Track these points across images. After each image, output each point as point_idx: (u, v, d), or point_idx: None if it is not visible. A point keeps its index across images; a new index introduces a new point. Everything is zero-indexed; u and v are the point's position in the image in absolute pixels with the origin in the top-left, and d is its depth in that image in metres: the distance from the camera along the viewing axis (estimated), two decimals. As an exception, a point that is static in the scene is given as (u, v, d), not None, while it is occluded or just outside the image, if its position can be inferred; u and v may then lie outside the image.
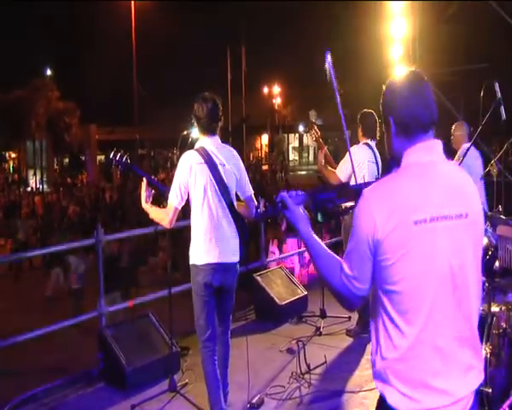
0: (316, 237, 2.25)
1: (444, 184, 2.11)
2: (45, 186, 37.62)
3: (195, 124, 4.40)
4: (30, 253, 11.56)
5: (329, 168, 6.20)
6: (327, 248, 2.25)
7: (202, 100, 4.34)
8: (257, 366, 4.59)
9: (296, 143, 62.72)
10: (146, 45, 40.61)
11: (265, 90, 53.28)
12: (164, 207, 4.40)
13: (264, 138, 55.86)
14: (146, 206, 4.45)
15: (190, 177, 4.23)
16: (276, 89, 53.16)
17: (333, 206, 2.38)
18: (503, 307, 4.36)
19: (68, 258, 11.73)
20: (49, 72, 45.05)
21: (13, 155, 47.07)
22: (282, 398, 5.03)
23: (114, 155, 4.81)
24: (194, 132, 5.09)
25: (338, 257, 2.22)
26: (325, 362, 5.43)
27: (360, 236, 2.08)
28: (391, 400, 2.08)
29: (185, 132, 4.92)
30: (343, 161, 6.07)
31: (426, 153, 2.15)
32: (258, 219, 2.41)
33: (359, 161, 5.97)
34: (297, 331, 6.60)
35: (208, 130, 4.35)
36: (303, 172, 48.36)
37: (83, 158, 44.90)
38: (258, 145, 56.87)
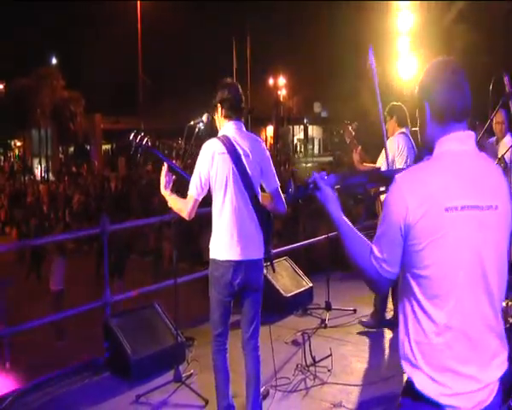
0: (346, 219, 2.28)
1: (476, 175, 2.13)
2: (50, 175, 37.74)
3: (219, 109, 4.17)
4: (37, 241, 11.58)
5: (366, 165, 6.24)
6: (357, 230, 2.26)
7: (225, 84, 4.20)
8: (262, 358, 4.58)
9: (301, 135, 62.60)
10: (151, 35, 40.59)
11: (271, 81, 53.15)
12: (179, 195, 4.24)
13: (270, 130, 55.76)
14: (165, 192, 4.24)
15: (212, 167, 4.03)
16: (282, 80, 53.03)
17: (363, 190, 2.39)
18: (510, 303, 4.34)
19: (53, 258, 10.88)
20: (54, 60, 45.07)
21: (18, 144, 47.18)
22: (287, 390, 5.02)
23: (135, 137, 4.59)
24: (201, 123, 5.01)
25: (367, 240, 2.24)
26: (330, 355, 5.42)
27: (392, 220, 2.11)
28: (419, 384, 2.09)
29: (192, 123, 4.76)
30: (382, 154, 6.14)
31: (459, 143, 2.17)
32: (290, 200, 2.41)
33: (401, 148, 6.11)
34: (302, 323, 6.59)
35: (233, 113, 4.14)
36: (308, 165, 48.28)
37: (88, 147, 44.99)
38: (264, 137, 56.81)
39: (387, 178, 2.25)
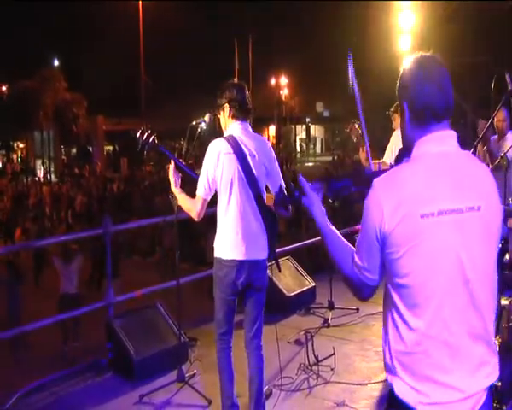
0: (331, 226, 2.23)
1: (455, 176, 2.03)
2: (53, 176, 37.82)
3: (226, 109, 4.17)
4: (37, 242, 11.57)
5: (374, 162, 6.28)
6: (341, 236, 2.22)
7: (234, 84, 4.23)
8: (266, 357, 4.60)
9: (303, 135, 62.61)
10: (152, 36, 40.58)
11: (273, 81, 53.12)
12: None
13: (272, 130, 55.79)
14: (175, 190, 4.26)
15: (217, 167, 4.06)
16: (284, 80, 53.02)
17: (349, 193, 2.35)
18: (513, 301, 4.33)
19: (53, 259, 10.09)
20: (56, 62, 45.11)
21: (21, 145, 47.27)
22: (290, 389, 5.03)
23: (141, 135, 4.52)
24: (203, 123, 5.00)
25: (352, 247, 2.19)
26: (333, 354, 5.42)
27: (369, 226, 2.04)
28: (399, 391, 2.04)
29: (194, 123, 4.76)
30: (388, 147, 6.20)
31: (437, 143, 2.06)
32: (276, 206, 2.41)
33: None
34: (305, 323, 6.60)
35: (241, 113, 4.17)
36: (310, 164, 48.28)
37: (90, 148, 45.05)
38: (266, 136, 56.72)
39: (372, 178, 2.17)
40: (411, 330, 2.01)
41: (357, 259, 2.11)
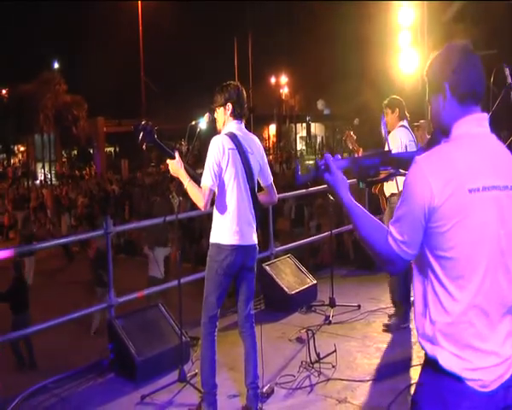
0: (356, 203, 2.27)
1: (492, 156, 2.18)
2: (53, 179, 37.84)
3: (229, 107, 4.45)
4: (38, 245, 11.56)
5: None
6: (368, 212, 2.26)
7: (236, 86, 4.52)
8: (267, 356, 4.60)
9: (304, 133, 62.53)
10: (152, 36, 40.63)
11: (273, 80, 53.04)
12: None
13: (272, 128, 55.74)
14: (185, 180, 4.37)
15: (223, 159, 4.33)
16: (284, 79, 52.93)
17: (375, 172, 2.39)
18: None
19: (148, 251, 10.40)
20: (56, 65, 45.14)
21: (21, 149, 47.30)
22: (291, 387, 5.02)
23: (144, 126, 4.53)
24: (202, 123, 5.04)
25: (380, 222, 2.24)
26: (335, 351, 5.41)
27: (414, 202, 2.10)
28: (443, 361, 2.12)
29: (193, 123, 4.83)
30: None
31: (477, 124, 2.20)
32: (300, 182, 2.41)
33: (403, 143, 6.11)
34: (306, 321, 6.59)
35: (240, 114, 4.51)
36: (310, 162, 48.22)
37: (91, 151, 45.10)
38: (266, 135, 56.71)
39: (399, 160, 2.29)
40: (456, 301, 2.10)
41: (395, 233, 2.14)
